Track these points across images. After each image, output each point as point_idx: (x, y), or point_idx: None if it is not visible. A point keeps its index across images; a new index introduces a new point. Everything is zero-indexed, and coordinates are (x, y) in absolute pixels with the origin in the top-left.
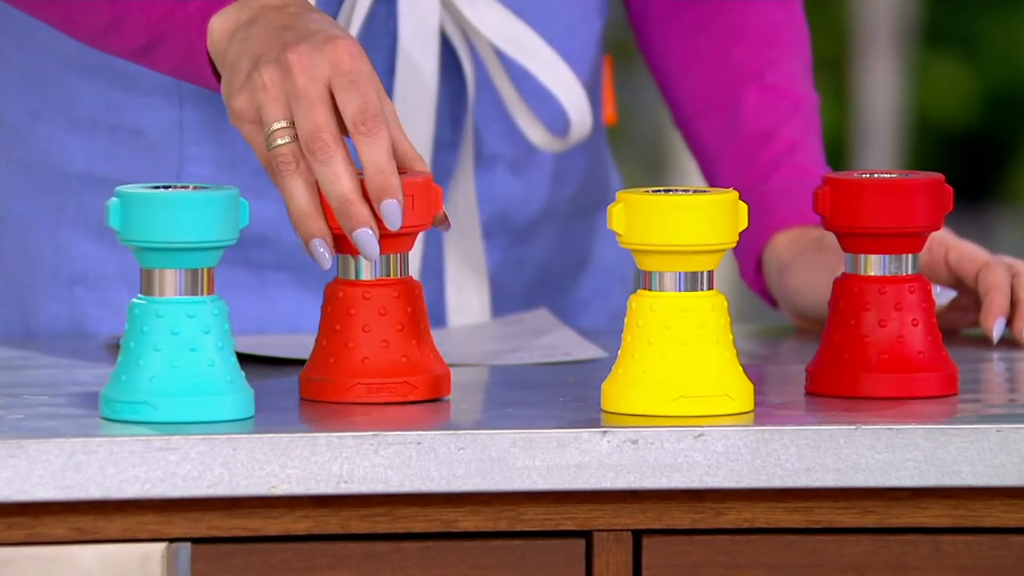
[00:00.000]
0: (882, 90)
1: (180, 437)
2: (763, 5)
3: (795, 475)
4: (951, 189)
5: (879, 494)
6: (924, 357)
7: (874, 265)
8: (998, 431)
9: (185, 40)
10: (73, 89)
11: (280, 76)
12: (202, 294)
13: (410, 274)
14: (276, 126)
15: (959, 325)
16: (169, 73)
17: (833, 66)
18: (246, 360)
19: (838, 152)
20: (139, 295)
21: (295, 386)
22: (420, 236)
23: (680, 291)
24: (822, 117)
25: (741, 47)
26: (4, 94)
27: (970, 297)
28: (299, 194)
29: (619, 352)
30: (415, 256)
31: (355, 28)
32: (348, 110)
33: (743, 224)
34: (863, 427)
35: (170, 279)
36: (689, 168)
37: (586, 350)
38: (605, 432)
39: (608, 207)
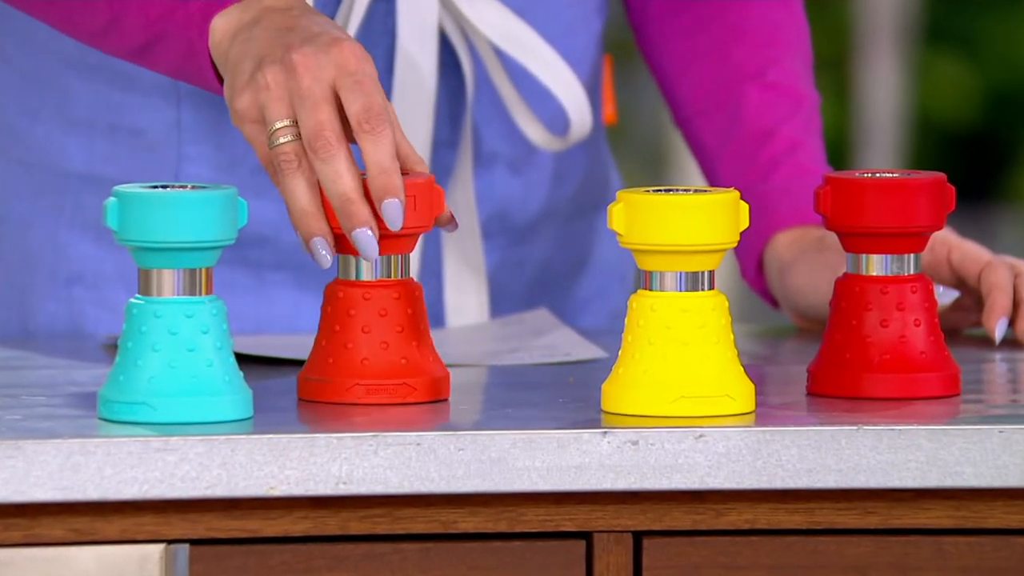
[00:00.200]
0: (883, 89)
1: (178, 438)
2: (763, 4)
3: (796, 476)
4: (953, 188)
5: (881, 495)
6: (926, 357)
7: (876, 265)
8: (1000, 432)
9: (186, 40)
10: (72, 89)
11: (284, 76)
12: (200, 294)
13: (410, 275)
14: (279, 125)
15: (961, 325)
16: (168, 73)
17: (834, 65)
18: (244, 360)
19: (839, 151)
20: (137, 295)
21: (294, 387)
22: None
23: (681, 291)
24: (823, 116)
25: (741, 46)
26: (3, 94)
27: (972, 297)
28: (300, 193)
29: (619, 352)
30: (414, 257)
31: (354, 27)
32: (352, 109)
33: (744, 224)
34: (865, 428)
35: (168, 279)
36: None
37: (586, 350)
38: (605, 433)
39: (608, 207)
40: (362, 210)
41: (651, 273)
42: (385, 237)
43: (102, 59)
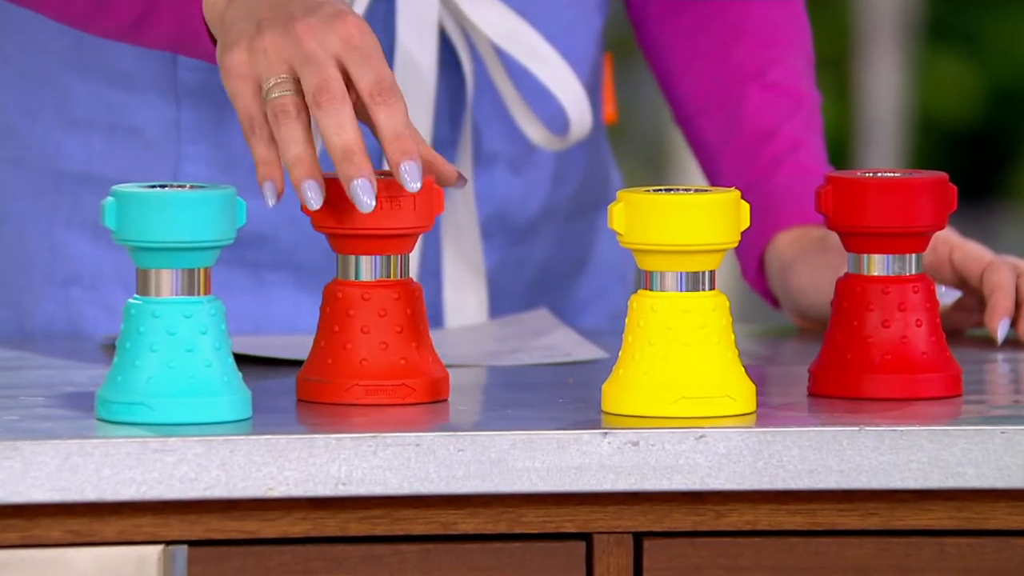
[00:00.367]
0: (885, 88)
1: (177, 439)
2: (764, 3)
3: (797, 477)
4: (955, 188)
5: (882, 496)
6: (928, 358)
7: (877, 265)
8: (1003, 432)
9: (179, 8)
10: (70, 88)
11: (285, 42)
12: (199, 294)
13: (410, 275)
14: (276, 79)
15: (963, 325)
16: (162, 46)
17: (836, 64)
18: (243, 361)
19: (841, 151)
20: (135, 295)
21: (293, 387)
22: None
23: (681, 291)
24: (824, 115)
25: (742, 46)
26: (1, 93)
27: (974, 297)
28: (297, 139)
29: (620, 353)
30: (413, 257)
31: None
32: (363, 82)
33: (745, 223)
34: (866, 428)
35: (166, 279)
36: (690, 167)
37: (586, 351)
38: (606, 433)
39: (608, 206)
40: (363, 162)
41: (651, 273)
42: (385, 237)
43: (100, 58)
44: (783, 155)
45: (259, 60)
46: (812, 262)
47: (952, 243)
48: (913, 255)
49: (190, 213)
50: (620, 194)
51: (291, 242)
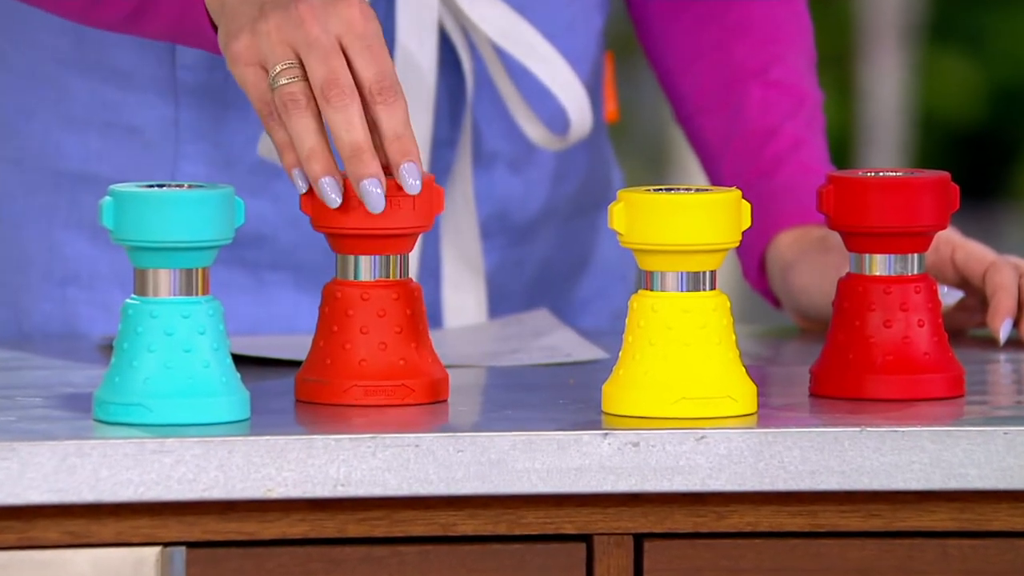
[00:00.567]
0: (887, 87)
1: (175, 439)
2: (766, 2)
3: (799, 478)
4: (957, 187)
5: (884, 497)
6: (930, 358)
7: (879, 265)
8: (1005, 433)
9: None
10: (68, 87)
11: (289, 24)
12: (197, 294)
13: (409, 275)
14: (282, 66)
15: (966, 326)
16: (161, 36)
17: (837, 62)
18: (242, 361)
19: (842, 150)
20: (133, 295)
21: (291, 388)
22: None
23: (682, 291)
24: (826, 114)
25: (743, 44)
26: None
27: (977, 297)
28: (309, 133)
29: (620, 353)
30: (413, 257)
31: None
32: (365, 75)
33: (746, 223)
34: (868, 429)
35: (164, 279)
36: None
37: (587, 351)
38: (606, 434)
39: (609, 206)
40: (372, 161)
41: (652, 273)
42: (385, 237)
43: (98, 57)
44: (784, 154)
45: (262, 43)
46: (813, 262)
47: (954, 243)
48: (915, 255)
49: (188, 213)
50: (620, 194)
51: (290, 242)
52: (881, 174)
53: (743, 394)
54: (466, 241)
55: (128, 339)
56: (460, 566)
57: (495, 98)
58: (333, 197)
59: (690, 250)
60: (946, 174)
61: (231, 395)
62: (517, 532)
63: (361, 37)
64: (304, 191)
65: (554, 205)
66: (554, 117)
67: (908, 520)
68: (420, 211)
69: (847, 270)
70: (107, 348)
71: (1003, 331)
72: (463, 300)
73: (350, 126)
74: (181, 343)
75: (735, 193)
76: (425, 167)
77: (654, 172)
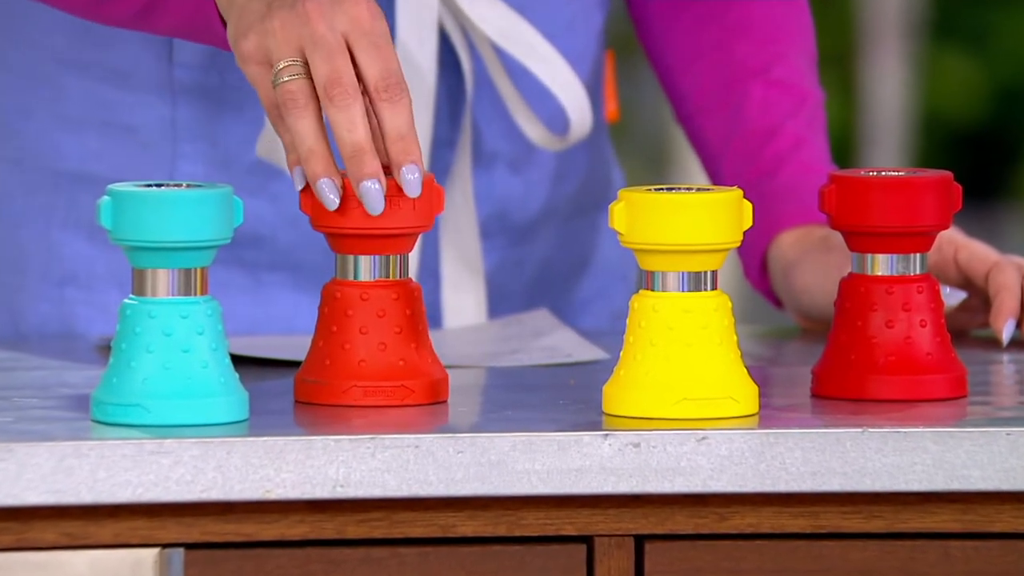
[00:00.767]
0: (889, 86)
1: (173, 440)
2: (766, 1)
3: (800, 479)
4: (960, 187)
5: (886, 499)
6: (932, 359)
7: (881, 265)
8: (1008, 434)
9: None
10: (65, 86)
11: (295, 22)
12: (195, 294)
13: (409, 275)
14: (284, 63)
15: (968, 326)
16: (171, 32)
17: (839, 61)
18: (240, 362)
19: (844, 149)
20: (131, 295)
21: (290, 388)
22: None
23: (683, 291)
24: (828, 113)
25: (744, 43)
26: None
27: (979, 298)
28: (308, 133)
29: (621, 353)
30: (413, 257)
31: None
32: (370, 73)
33: (747, 223)
34: (870, 430)
35: (163, 279)
36: (693, 165)
37: (587, 351)
38: (606, 435)
39: (610, 206)
40: (373, 162)
41: (653, 273)
42: (385, 237)
43: (95, 56)
44: (786, 153)
45: (269, 41)
46: (815, 262)
47: (957, 243)
48: (917, 255)
49: (187, 212)
50: (621, 193)
51: (289, 242)
52: (883, 173)
53: (744, 395)
54: (466, 241)
55: (126, 339)
56: (460, 568)
57: (495, 98)
58: (331, 198)
59: (691, 250)
60: (949, 173)
61: (230, 396)
62: (517, 533)
63: (367, 35)
64: (299, 187)
65: (554, 205)
66: (554, 117)
67: (910, 521)
68: (420, 211)
69: (849, 270)
70: (105, 348)
71: (1006, 332)
72: (463, 300)
73: (352, 125)
74: (180, 343)
75: (736, 193)
76: (425, 167)
77: (655, 171)
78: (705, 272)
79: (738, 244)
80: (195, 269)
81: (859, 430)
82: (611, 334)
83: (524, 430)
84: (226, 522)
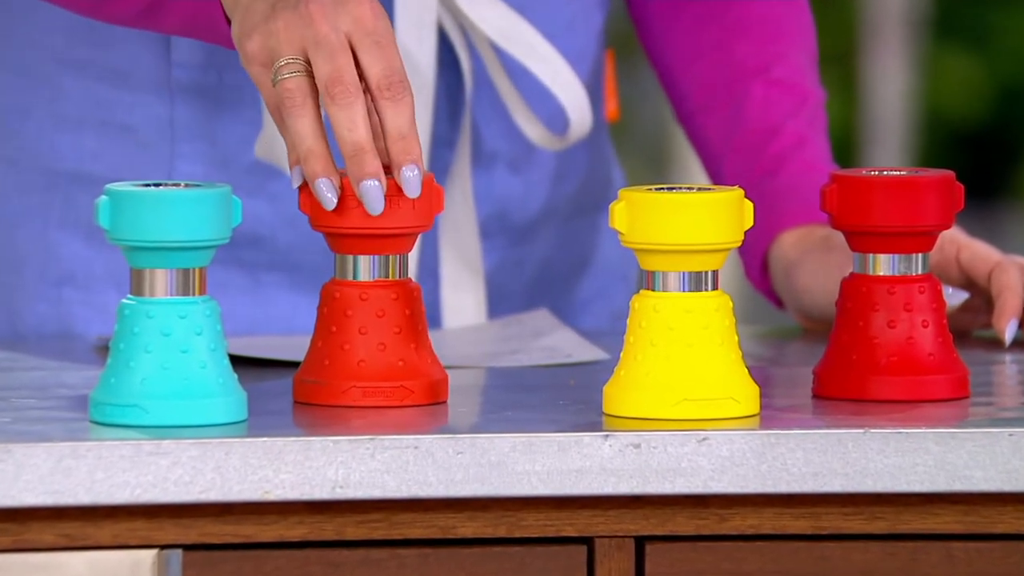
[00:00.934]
0: (891, 85)
1: (171, 441)
2: (767, 0)
3: (802, 480)
4: (962, 187)
5: (888, 500)
6: (934, 359)
7: (883, 265)
8: (1010, 435)
9: None
10: (62, 86)
11: (299, 23)
12: (194, 294)
13: (408, 275)
14: (284, 60)
15: (970, 326)
16: (176, 30)
17: (841, 60)
18: (239, 362)
19: (846, 148)
20: (129, 295)
21: (289, 389)
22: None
23: (684, 291)
24: (829, 113)
25: (745, 43)
26: None
27: (982, 298)
28: (307, 132)
29: (621, 354)
30: (411, 256)
31: None
32: (373, 71)
33: (748, 222)
34: (872, 431)
35: (161, 279)
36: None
37: (587, 352)
38: (607, 436)
39: (610, 205)
40: (373, 161)
41: (653, 273)
42: (384, 237)
43: (92, 55)
44: (787, 153)
45: (272, 42)
46: (816, 262)
47: (959, 242)
48: (919, 255)
49: (185, 212)
50: (622, 193)
51: (287, 242)
52: (885, 173)
53: (746, 395)
54: (465, 241)
55: (124, 340)
56: (460, 569)
57: (494, 98)
58: (329, 197)
59: (692, 250)
60: (951, 173)
61: (228, 396)
62: (517, 535)
63: (370, 34)
64: (296, 185)
65: (554, 205)
66: (553, 117)
67: (912, 523)
68: (420, 211)
69: (851, 270)
70: (103, 349)
71: (1008, 332)
72: (462, 300)
73: (352, 124)
74: (178, 344)
75: (737, 192)
76: (425, 167)
77: (655, 171)
78: (706, 272)
79: (739, 244)
80: (194, 269)
81: (861, 431)
82: (611, 334)
83: (524, 431)
84: (224, 523)
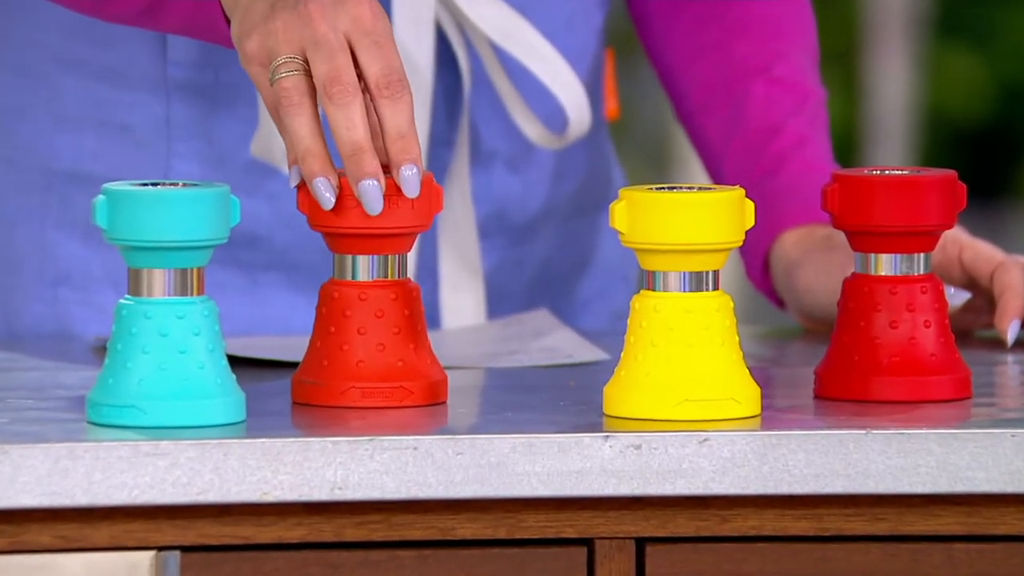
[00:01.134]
0: (893, 84)
1: (169, 442)
2: None
3: (803, 481)
4: (964, 186)
5: (890, 501)
6: (936, 360)
7: (885, 264)
8: (1013, 436)
9: None
10: (59, 85)
11: (298, 23)
12: (192, 295)
13: (408, 275)
14: (282, 60)
15: (973, 326)
16: (176, 29)
17: (842, 59)
18: (237, 363)
19: (847, 148)
20: (127, 295)
21: (287, 389)
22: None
23: (685, 291)
24: (831, 112)
25: (745, 42)
26: None
27: (984, 298)
28: (305, 132)
29: (622, 354)
30: (411, 256)
31: None
32: (372, 71)
33: (749, 222)
34: (873, 432)
35: (159, 279)
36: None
37: (587, 352)
38: (607, 437)
39: (610, 205)
40: (372, 161)
41: (654, 273)
42: (383, 237)
43: (89, 54)
44: (788, 152)
45: (271, 42)
46: (818, 261)
47: (961, 242)
48: (921, 254)
49: (183, 212)
50: (622, 192)
51: (285, 243)
52: (887, 172)
53: (747, 396)
54: (464, 241)
55: (122, 340)
56: (459, 570)
57: (493, 97)
58: (327, 197)
59: (693, 249)
60: (953, 172)
61: (226, 397)
62: (517, 536)
63: (369, 34)
64: (293, 184)
65: (554, 204)
66: (552, 115)
67: (914, 524)
68: (419, 211)
69: (852, 270)
70: (100, 349)
71: (1011, 332)
72: (461, 300)
73: (351, 124)
74: (176, 344)
75: (738, 192)
76: (424, 167)
77: (656, 170)
78: (707, 272)
79: (740, 244)
80: (191, 269)
81: (862, 432)
82: (612, 334)
83: (524, 432)
84: (223, 524)
